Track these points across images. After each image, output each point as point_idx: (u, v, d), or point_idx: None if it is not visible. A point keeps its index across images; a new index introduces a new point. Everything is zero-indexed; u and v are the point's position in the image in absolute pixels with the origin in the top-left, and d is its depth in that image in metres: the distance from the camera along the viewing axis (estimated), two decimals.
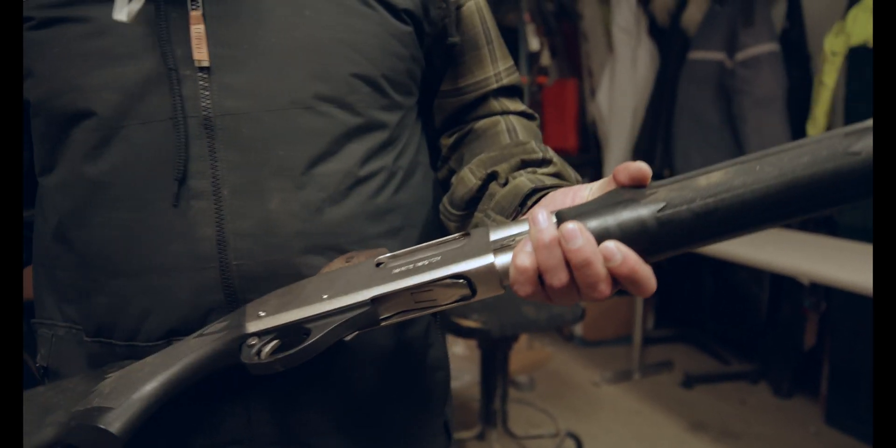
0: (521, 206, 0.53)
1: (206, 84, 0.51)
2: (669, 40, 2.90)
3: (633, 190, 0.43)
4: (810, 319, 2.39)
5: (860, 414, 2.14)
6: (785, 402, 2.47)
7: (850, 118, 2.17)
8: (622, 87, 2.98)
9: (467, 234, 0.47)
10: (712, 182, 0.40)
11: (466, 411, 2.42)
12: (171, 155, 0.51)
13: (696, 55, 2.66)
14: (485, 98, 0.67)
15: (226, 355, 0.49)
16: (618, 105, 3.01)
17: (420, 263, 0.46)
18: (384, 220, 0.58)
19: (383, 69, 0.57)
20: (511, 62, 0.69)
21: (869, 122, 0.38)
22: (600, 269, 0.40)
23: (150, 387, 0.47)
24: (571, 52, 3.36)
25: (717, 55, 2.58)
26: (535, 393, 2.59)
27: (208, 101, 0.51)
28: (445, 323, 0.62)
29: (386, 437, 0.62)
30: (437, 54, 0.64)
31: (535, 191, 0.52)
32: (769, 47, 2.41)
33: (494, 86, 0.67)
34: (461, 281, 0.44)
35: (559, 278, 0.41)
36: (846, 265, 1.78)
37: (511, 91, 0.70)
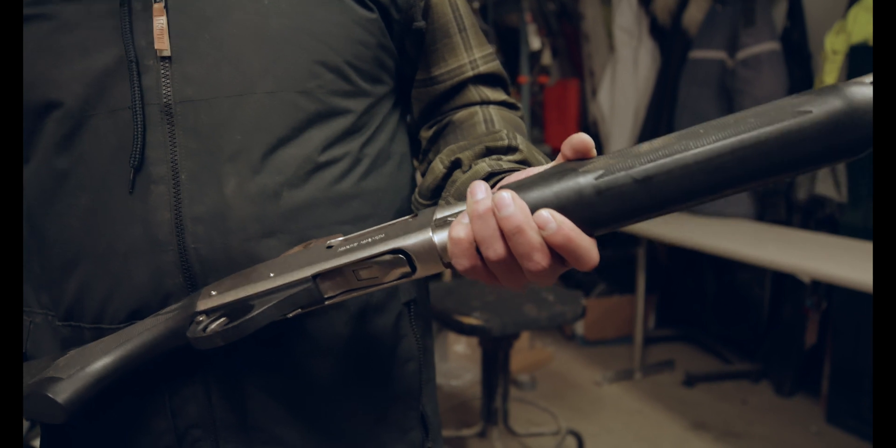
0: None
1: (168, 73, 0.53)
2: (671, 40, 2.91)
3: (576, 161, 0.42)
4: (811, 318, 2.39)
5: (862, 413, 2.14)
6: (786, 401, 2.47)
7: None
8: (623, 87, 2.99)
9: (416, 215, 0.47)
10: (654, 147, 0.39)
11: (468, 409, 2.42)
12: (131, 142, 0.53)
13: (697, 55, 2.66)
14: (461, 87, 0.67)
15: (178, 333, 0.51)
16: (619, 105, 3.01)
17: (364, 241, 0.47)
18: (348, 206, 0.59)
19: (346, 56, 0.57)
20: (489, 50, 0.68)
21: (826, 86, 0.37)
22: (533, 236, 0.39)
23: (102, 362, 0.49)
24: (573, 52, 3.37)
25: (719, 54, 2.58)
26: (536, 392, 2.59)
27: (168, 89, 0.53)
28: (421, 314, 0.62)
29: (350, 429, 0.61)
30: (410, 43, 0.65)
31: (491, 175, 0.53)
32: (770, 46, 2.42)
33: (470, 73, 0.67)
34: (400, 257, 0.44)
35: (495, 250, 0.41)
36: (847, 263, 1.78)
37: (491, 79, 0.69)
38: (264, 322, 0.47)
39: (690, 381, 2.62)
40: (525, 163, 0.56)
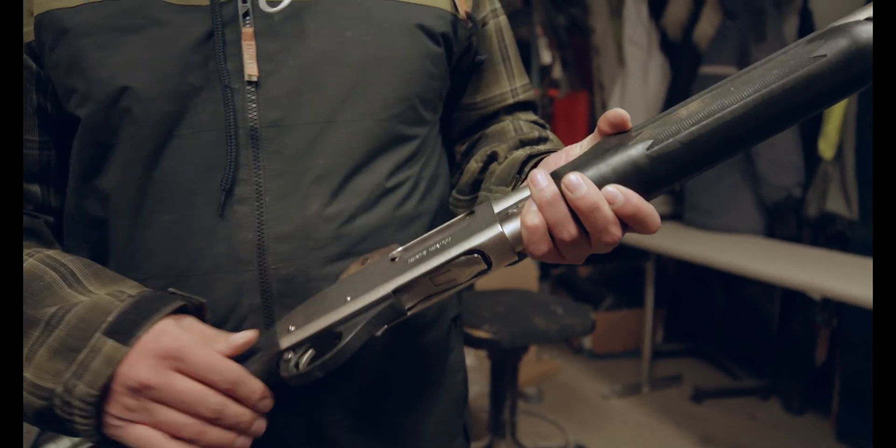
0: (519, 174, 0.55)
1: (254, 97, 0.54)
2: (681, 54, 2.92)
3: (618, 136, 0.44)
4: (821, 335, 2.38)
5: (872, 431, 2.12)
6: (796, 418, 2.45)
7: (861, 134, 2.18)
8: (633, 100, 3.00)
9: (471, 213, 0.48)
10: (692, 111, 0.42)
11: (476, 422, 2.42)
12: (218, 162, 0.54)
13: (707, 69, 2.67)
14: (499, 112, 0.70)
15: (268, 375, 0.50)
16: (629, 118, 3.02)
17: (432, 248, 0.47)
18: (410, 227, 0.61)
19: (416, 88, 0.60)
20: (527, 80, 0.72)
21: (829, 26, 0.41)
22: (608, 211, 0.42)
23: None
24: (582, 65, 3.38)
25: (729, 70, 2.59)
26: (543, 405, 2.58)
27: (255, 113, 0.54)
28: (461, 329, 0.65)
29: (412, 437, 0.64)
30: (460, 71, 0.67)
31: (530, 157, 0.55)
32: None
33: (511, 101, 0.70)
34: (476, 256, 0.46)
35: (569, 231, 0.43)
36: (858, 280, 1.77)
37: (525, 106, 0.72)
38: (357, 346, 0.47)
39: (699, 396, 2.60)
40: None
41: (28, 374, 0.47)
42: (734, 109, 0.40)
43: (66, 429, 0.48)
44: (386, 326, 0.49)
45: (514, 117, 0.71)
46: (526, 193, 0.46)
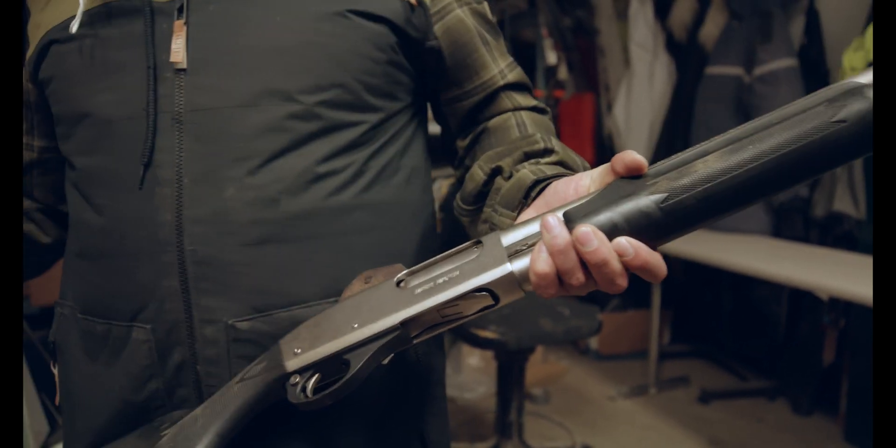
0: (525, 198, 0.55)
1: (182, 84, 0.57)
2: (687, 55, 2.92)
3: (632, 181, 0.44)
4: (829, 336, 2.37)
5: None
6: (804, 419, 2.44)
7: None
8: (639, 101, 3.00)
9: (479, 242, 0.48)
10: (709, 167, 0.42)
11: (481, 423, 2.41)
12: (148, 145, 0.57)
13: (713, 70, 2.67)
14: (494, 96, 0.69)
15: (270, 396, 0.51)
16: (634, 119, 3.02)
17: (440, 280, 0.47)
18: (349, 217, 0.60)
19: (354, 72, 0.59)
20: (511, 59, 0.71)
21: (848, 84, 0.41)
22: (617, 265, 0.43)
23: (207, 439, 0.49)
24: (588, 66, 3.38)
25: (735, 70, 2.59)
26: (550, 406, 2.58)
27: (182, 99, 0.57)
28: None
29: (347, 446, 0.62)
30: (430, 61, 0.66)
31: (537, 182, 0.55)
32: (787, 63, 2.42)
33: (500, 82, 0.69)
34: (485, 293, 0.46)
35: (577, 278, 0.44)
36: (865, 280, 1.77)
37: (519, 87, 0.71)
38: (365, 375, 0.48)
39: (706, 397, 2.60)
40: (562, 164, 0.58)
41: None
42: (751, 168, 0.41)
43: None
44: (392, 355, 0.49)
45: (513, 105, 0.69)
46: (535, 229, 0.47)
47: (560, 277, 0.44)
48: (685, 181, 0.42)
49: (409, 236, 0.66)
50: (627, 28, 3.07)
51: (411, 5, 0.62)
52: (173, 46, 0.56)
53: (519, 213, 0.54)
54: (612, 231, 0.43)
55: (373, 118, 0.62)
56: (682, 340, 3.19)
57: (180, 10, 0.57)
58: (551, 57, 2.91)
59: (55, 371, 0.66)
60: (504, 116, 0.69)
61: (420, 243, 0.67)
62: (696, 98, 2.75)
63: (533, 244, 0.46)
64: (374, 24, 0.60)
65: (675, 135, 2.91)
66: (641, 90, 3.00)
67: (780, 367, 2.66)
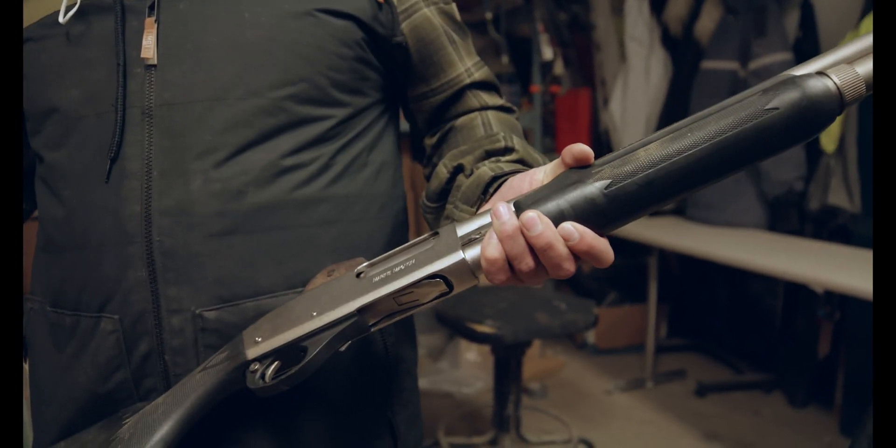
0: (483, 195, 0.57)
1: (151, 79, 0.58)
2: (682, 50, 2.92)
3: (580, 171, 0.46)
4: (824, 329, 2.38)
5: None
6: (799, 412, 2.46)
7: (863, 127, 2.18)
8: (635, 96, 3.00)
9: (436, 234, 0.50)
10: (650, 154, 0.44)
11: (479, 417, 2.43)
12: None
13: (709, 65, 2.67)
14: (460, 94, 0.71)
15: (231, 384, 0.52)
16: (631, 114, 3.03)
17: (397, 269, 0.49)
18: (314, 210, 0.61)
19: (320, 68, 0.61)
20: (478, 59, 0.72)
21: (783, 76, 0.43)
22: (562, 249, 0.44)
23: (167, 426, 0.50)
24: (584, 61, 3.39)
25: (731, 65, 2.59)
26: (547, 400, 2.59)
27: (151, 94, 0.58)
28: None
29: (314, 435, 0.62)
30: (398, 57, 0.68)
31: (494, 179, 0.56)
32: (782, 57, 2.43)
33: (467, 80, 0.70)
34: (438, 280, 0.47)
35: (526, 263, 0.45)
36: (860, 274, 1.78)
37: (486, 86, 0.72)
38: (321, 361, 0.49)
39: (702, 391, 2.61)
40: (522, 161, 0.60)
41: None
42: (689, 155, 0.43)
43: None
44: (349, 342, 0.50)
45: (480, 103, 0.71)
46: (488, 220, 0.48)
47: (510, 264, 0.46)
48: (628, 168, 0.44)
49: (377, 229, 0.67)
50: (623, 23, 3.07)
51: (378, 3, 0.64)
52: (144, 43, 0.57)
53: (478, 209, 0.56)
54: (559, 217, 0.45)
55: (340, 113, 0.63)
56: (679, 334, 3.21)
57: (151, 8, 0.58)
58: (547, 52, 2.91)
59: (26, 366, 0.67)
60: (471, 115, 0.70)
61: (389, 237, 0.68)
62: (692, 92, 2.75)
63: (486, 233, 0.48)
64: (340, 21, 0.61)
65: None
66: (638, 85, 3.00)
67: (776, 361, 2.67)
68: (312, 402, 0.62)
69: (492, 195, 0.56)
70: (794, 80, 0.42)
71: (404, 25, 0.67)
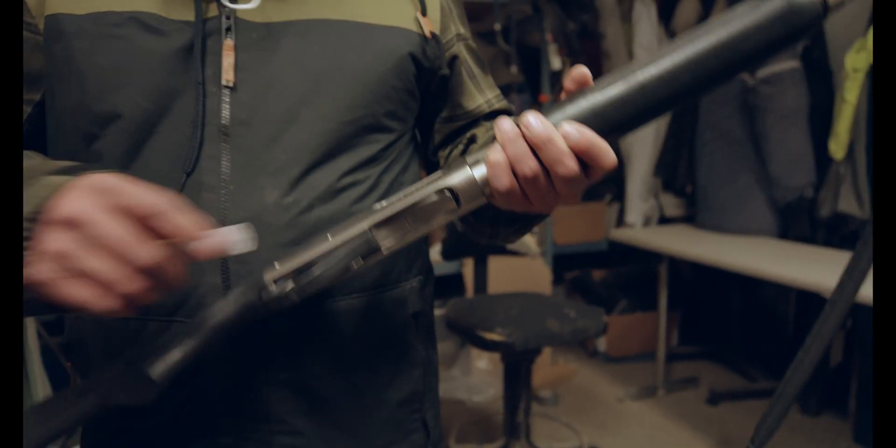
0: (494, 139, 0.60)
1: (228, 99, 0.61)
2: None
3: (580, 89, 0.50)
4: (837, 336, 2.37)
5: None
6: (813, 419, 2.44)
7: (872, 134, 2.17)
8: None
9: (447, 167, 0.53)
10: (642, 63, 0.47)
11: (490, 424, 2.43)
12: (191, 155, 0.60)
13: None
14: (480, 121, 0.77)
15: (252, 307, 0.54)
16: None
17: (409, 191, 0.52)
18: None
19: (377, 97, 0.65)
20: (498, 91, 0.78)
21: None
22: (561, 143, 0.47)
23: (190, 341, 0.52)
24: (593, 69, 3.38)
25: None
26: (558, 408, 2.60)
27: (227, 113, 0.61)
28: (425, 327, 0.69)
29: (360, 426, 0.67)
30: (432, 88, 0.74)
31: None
32: (790, 64, 2.43)
33: (487, 110, 0.76)
34: (447, 194, 0.50)
35: (529, 165, 0.48)
36: (872, 281, 1.77)
37: (504, 113, 0.78)
38: (333, 275, 0.52)
39: (715, 398, 2.60)
40: None
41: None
42: (676, 58, 0.46)
43: None
44: (362, 260, 0.53)
45: (493, 122, 0.75)
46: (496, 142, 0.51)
47: (514, 170, 0.48)
48: (622, 74, 0.48)
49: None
50: (632, 31, 3.09)
51: (426, 38, 0.69)
52: (224, 65, 0.60)
53: None
54: (558, 121, 0.48)
55: (386, 138, 0.68)
56: (691, 342, 3.20)
57: (227, 30, 0.61)
58: (556, 62, 2.93)
59: (71, 373, 0.69)
60: (481, 127, 0.75)
61: (422, 240, 0.74)
62: (702, 100, 2.76)
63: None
64: (397, 56, 0.66)
65: (680, 137, 2.92)
66: None
67: (788, 368, 2.65)
68: (362, 396, 0.67)
69: None
70: None
71: (447, 56, 0.72)
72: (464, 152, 0.67)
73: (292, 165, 0.62)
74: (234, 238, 0.46)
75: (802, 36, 0.46)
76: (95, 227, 0.42)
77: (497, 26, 2.89)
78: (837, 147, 2.23)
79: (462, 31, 0.76)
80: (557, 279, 3.21)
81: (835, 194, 2.29)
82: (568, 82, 0.50)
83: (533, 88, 3.13)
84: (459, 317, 1.95)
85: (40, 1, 0.61)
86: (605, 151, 0.48)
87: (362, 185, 0.66)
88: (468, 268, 2.73)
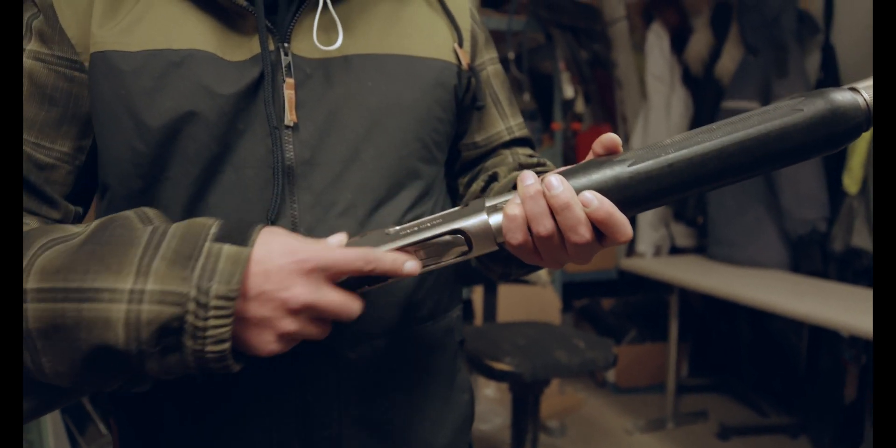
0: (514, 188, 0.60)
1: (290, 139, 0.60)
2: (703, 89, 2.95)
3: (607, 155, 0.50)
4: (850, 372, 2.33)
5: None
6: None
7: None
8: (656, 133, 3.02)
9: (466, 205, 0.53)
10: (675, 140, 0.48)
11: None
12: (256, 196, 0.59)
13: (729, 104, 2.69)
14: (499, 148, 0.77)
15: None
16: None
17: (423, 226, 0.52)
18: None
19: (428, 130, 0.66)
20: (521, 119, 0.79)
21: (818, 91, 0.46)
22: (579, 211, 0.47)
23: None
24: (605, 98, 3.42)
25: (751, 105, 2.61)
26: (566, 439, 2.55)
27: (291, 153, 0.60)
28: (474, 362, 0.72)
29: (421, 446, 0.68)
30: (463, 116, 0.74)
31: (523, 168, 0.61)
32: None
33: (507, 138, 0.77)
34: (460, 236, 0.51)
35: (544, 225, 0.48)
36: None
37: (523, 142, 0.79)
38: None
39: (725, 433, 2.55)
40: None
41: (151, 285, 0.44)
42: (709, 144, 0.46)
43: (184, 344, 0.45)
44: (367, 286, 0.53)
45: (512, 151, 0.76)
46: (514, 194, 0.51)
47: (530, 227, 0.49)
48: (653, 150, 0.48)
49: (458, 271, 0.75)
50: (644, 61, 3.11)
51: (462, 69, 0.70)
52: (287, 104, 0.59)
53: None
54: (581, 187, 0.48)
55: (435, 171, 0.69)
56: (701, 373, 3.15)
57: (287, 68, 0.60)
58: (569, 91, 2.95)
59: (111, 427, 0.68)
60: (502, 156, 0.76)
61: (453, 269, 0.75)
62: None
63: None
64: (442, 89, 0.67)
65: None
66: (659, 122, 3.03)
67: (801, 403, 2.61)
68: (423, 421, 0.68)
69: None
70: (821, 91, 0.45)
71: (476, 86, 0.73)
72: (484, 189, 0.68)
73: (359, 205, 0.61)
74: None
75: (842, 144, 0.45)
76: (324, 309, 0.48)
77: (511, 55, 2.92)
78: (851, 181, 2.22)
79: (490, 55, 0.77)
80: (566, 307, 3.19)
81: (848, 229, 2.28)
82: (597, 146, 0.51)
83: (545, 116, 3.15)
84: (468, 344, 1.93)
85: (84, 37, 0.58)
86: (621, 225, 0.48)
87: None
88: (477, 295, 2.72)
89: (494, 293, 2.71)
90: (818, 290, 2.17)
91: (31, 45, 0.59)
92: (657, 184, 0.47)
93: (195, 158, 0.58)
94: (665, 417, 2.67)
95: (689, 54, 2.98)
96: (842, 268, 2.41)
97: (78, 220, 0.64)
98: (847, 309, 1.88)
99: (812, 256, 2.46)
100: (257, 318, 0.47)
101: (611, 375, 3.02)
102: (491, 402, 2.74)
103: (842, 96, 0.44)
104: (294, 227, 0.59)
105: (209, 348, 0.45)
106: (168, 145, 0.58)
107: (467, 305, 2.77)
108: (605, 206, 0.47)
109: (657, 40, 3.06)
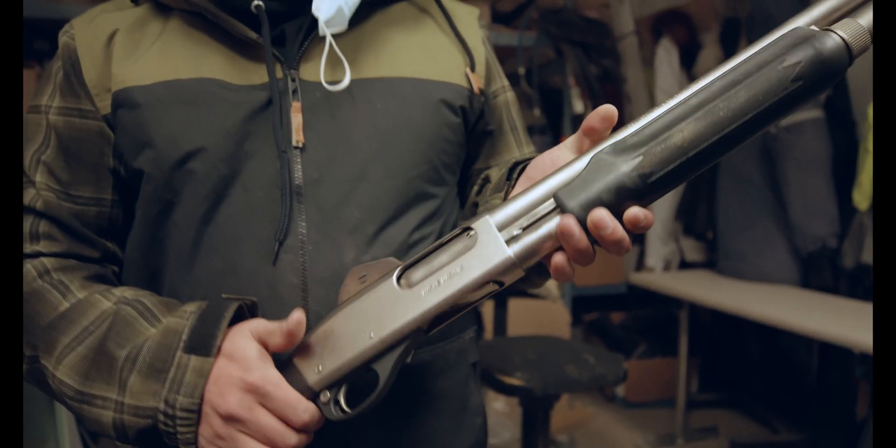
0: (508, 180, 0.61)
1: (299, 159, 0.62)
2: None
3: (616, 154, 0.48)
4: (862, 389, 2.32)
5: None
6: None
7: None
8: None
9: (469, 229, 0.51)
10: (686, 137, 0.47)
11: None
12: (266, 215, 0.61)
13: None
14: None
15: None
16: None
17: (443, 278, 0.50)
18: None
19: (437, 151, 0.67)
20: (533, 148, 0.80)
21: (794, 33, 0.46)
22: (624, 237, 0.47)
23: None
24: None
25: None
26: None
27: (299, 173, 0.62)
28: (485, 376, 0.73)
29: None
30: (474, 139, 0.75)
31: (516, 164, 0.62)
32: (813, 114, 2.45)
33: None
34: (490, 283, 0.50)
35: (589, 256, 0.49)
36: None
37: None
38: (394, 380, 0.52)
39: None
40: None
41: (128, 399, 0.54)
42: (724, 133, 0.46)
43: (164, 441, 0.55)
44: (413, 352, 0.53)
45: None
46: (522, 205, 0.50)
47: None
48: (666, 155, 0.47)
49: None
50: (653, 76, 3.13)
51: (473, 92, 0.71)
52: (294, 126, 0.62)
53: (506, 196, 0.60)
54: (612, 204, 0.48)
55: (444, 192, 0.70)
56: (711, 388, 3.13)
57: (294, 92, 0.63)
58: (578, 106, 2.97)
59: None
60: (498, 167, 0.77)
61: None
62: None
63: (527, 226, 0.49)
64: (452, 111, 0.68)
65: (701, 182, 2.93)
66: None
67: (812, 420, 2.59)
68: (431, 444, 0.69)
69: (517, 179, 0.60)
70: (809, 42, 0.45)
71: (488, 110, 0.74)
72: (479, 192, 0.70)
73: (367, 223, 0.63)
74: None
75: (830, 85, 0.46)
76: (249, 426, 0.52)
77: (521, 70, 2.95)
78: (861, 197, 2.23)
79: (506, 82, 0.79)
80: (576, 321, 3.19)
81: (858, 245, 2.28)
82: (594, 120, 0.50)
83: (555, 130, 3.17)
84: (478, 358, 1.94)
85: (104, 78, 0.63)
86: (627, 243, 0.48)
87: (430, 238, 0.67)
88: (487, 309, 2.73)
89: (504, 307, 2.72)
90: (829, 306, 2.17)
91: (55, 102, 0.64)
92: (674, 179, 0.48)
93: (205, 180, 0.61)
94: (675, 433, 2.66)
95: (699, 70, 3.00)
96: (853, 284, 2.40)
97: (114, 258, 0.68)
98: (858, 326, 1.88)
99: (822, 272, 2.45)
100: (213, 434, 0.53)
101: (620, 390, 3.01)
102: (500, 415, 2.74)
103: (828, 45, 0.44)
104: (302, 245, 0.61)
105: (182, 446, 0.54)
106: (179, 169, 0.61)
107: (476, 319, 2.77)
108: (649, 221, 0.48)
109: (666, 56, 3.08)
